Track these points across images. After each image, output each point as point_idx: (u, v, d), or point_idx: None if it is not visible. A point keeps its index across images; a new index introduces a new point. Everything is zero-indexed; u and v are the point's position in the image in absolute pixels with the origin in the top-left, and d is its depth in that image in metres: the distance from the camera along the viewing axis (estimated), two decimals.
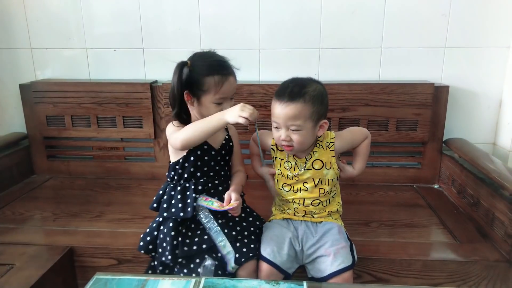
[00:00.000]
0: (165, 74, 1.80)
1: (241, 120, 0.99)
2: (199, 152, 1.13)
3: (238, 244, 1.12)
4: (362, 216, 1.45)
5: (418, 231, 1.37)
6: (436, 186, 1.74)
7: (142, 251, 1.16)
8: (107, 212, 1.50)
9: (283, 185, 1.18)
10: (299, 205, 1.17)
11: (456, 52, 1.71)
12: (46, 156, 1.86)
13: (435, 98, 1.66)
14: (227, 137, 1.21)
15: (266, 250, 1.10)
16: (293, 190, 1.17)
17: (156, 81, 1.79)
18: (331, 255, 1.06)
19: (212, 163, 1.16)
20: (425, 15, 1.68)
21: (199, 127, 1.05)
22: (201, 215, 1.12)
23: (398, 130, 1.69)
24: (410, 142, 1.73)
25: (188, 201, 1.12)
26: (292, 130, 1.07)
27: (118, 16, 1.78)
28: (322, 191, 1.15)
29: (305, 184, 1.15)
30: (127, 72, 1.82)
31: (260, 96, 1.69)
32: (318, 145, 1.15)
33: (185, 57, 1.13)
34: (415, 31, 1.70)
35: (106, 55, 1.82)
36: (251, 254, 1.11)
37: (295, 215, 1.19)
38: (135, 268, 1.25)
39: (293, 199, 1.17)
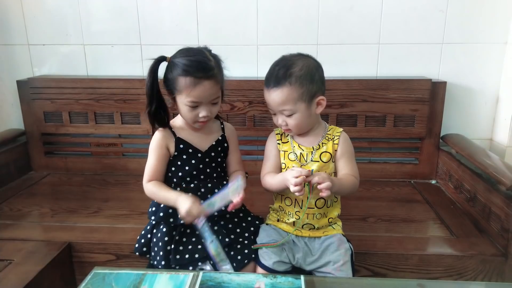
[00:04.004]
0: (162, 70, 1.80)
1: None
2: (184, 157, 1.10)
3: (232, 253, 1.08)
4: (359, 211, 1.46)
5: (415, 226, 1.38)
6: (433, 181, 1.74)
7: (137, 253, 1.15)
8: (105, 208, 1.50)
9: (286, 198, 1.13)
10: (301, 208, 1.10)
11: (453, 48, 1.71)
12: (44, 152, 1.86)
13: (432, 94, 1.66)
14: (220, 137, 1.16)
15: (263, 257, 1.07)
16: None
17: None
18: (332, 274, 1.04)
19: (201, 166, 1.11)
20: (423, 11, 1.69)
21: (159, 198, 1.09)
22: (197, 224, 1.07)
23: (395, 125, 1.70)
24: (408, 138, 1.74)
25: None
26: (286, 115, 1.05)
27: (115, 12, 1.78)
28: None
29: None
30: (124, 68, 1.82)
31: (258, 92, 1.69)
32: (327, 137, 1.12)
33: None
34: (412, 27, 1.71)
35: (103, 51, 1.82)
36: (246, 261, 1.08)
37: (294, 224, 1.12)
38: (133, 263, 1.25)
39: (295, 200, 1.11)
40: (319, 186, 0.98)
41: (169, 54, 1.09)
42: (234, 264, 1.06)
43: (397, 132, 1.71)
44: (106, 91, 1.74)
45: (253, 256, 1.09)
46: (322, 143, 1.11)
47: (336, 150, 1.11)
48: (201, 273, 0.90)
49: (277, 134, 1.17)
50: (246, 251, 1.10)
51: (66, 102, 1.77)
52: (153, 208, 1.12)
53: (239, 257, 1.08)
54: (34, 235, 1.32)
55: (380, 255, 1.22)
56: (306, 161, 1.10)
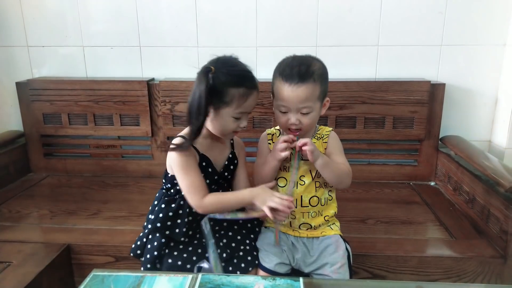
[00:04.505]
0: (162, 72, 1.80)
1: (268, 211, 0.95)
2: (202, 174, 1.04)
3: (235, 261, 1.07)
4: (358, 213, 1.46)
5: (414, 227, 1.38)
6: (432, 183, 1.75)
7: (132, 254, 1.13)
8: (104, 210, 1.50)
9: (279, 179, 1.13)
10: (296, 207, 1.10)
11: (452, 50, 1.72)
12: (43, 154, 1.86)
13: (431, 95, 1.66)
14: (230, 155, 1.12)
15: (264, 260, 1.08)
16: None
17: (153, 79, 1.79)
18: (330, 276, 1.04)
19: (213, 186, 1.08)
20: (422, 12, 1.69)
21: (229, 203, 1.02)
22: (203, 228, 1.04)
23: (394, 127, 1.70)
24: (407, 140, 1.74)
25: (179, 221, 1.06)
26: (303, 113, 1.02)
27: (114, 14, 1.78)
28: (317, 184, 1.11)
29: (302, 178, 1.10)
30: (124, 70, 1.82)
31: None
32: (316, 136, 1.13)
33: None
34: (411, 29, 1.71)
35: (103, 53, 1.82)
36: (250, 269, 1.07)
37: (291, 225, 1.13)
38: (132, 265, 1.25)
39: None
40: (303, 148, 1.01)
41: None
42: (238, 272, 1.05)
43: (396, 134, 1.71)
44: (105, 92, 1.74)
45: (256, 262, 1.09)
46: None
47: (325, 149, 1.12)
48: (200, 275, 0.90)
49: (268, 134, 1.18)
50: (249, 258, 1.09)
51: (66, 104, 1.77)
52: (151, 216, 1.09)
53: (242, 265, 1.07)
54: (33, 237, 1.32)
55: (379, 257, 1.22)
56: (297, 160, 1.10)
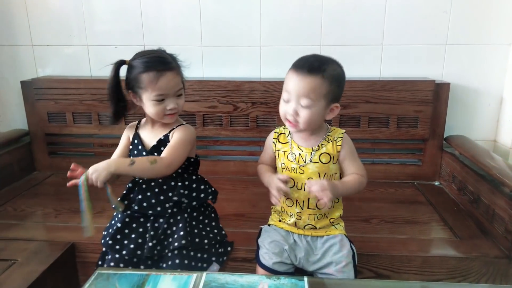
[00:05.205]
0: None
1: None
2: (135, 152, 1.15)
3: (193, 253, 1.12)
4: (362, 213, 1.46)
5: (418, 227, 1.38)
6: (436, 183, 1.74)
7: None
8: (108, 208, 1.49)
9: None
10: (302, 209, 1.10)
11: (457, 49, 1.71)
12: (48, 152, 1.86)
13: (436, 95, 1.66)
14: (162, 137, 1.12)
15: (263, 257, 1.08)
16: (297, 186, 1.09)
17: None
18: (334, 275, 1.04)
19: None
20: (426, 12, 1.68)
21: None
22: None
23: (398, 127, 1.70)
24: (411, 139, 1.73)
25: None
26: (303, 106, 1.01)
27: (119, 13, 1.78)
28: None
29: (310, 181, 1.08)
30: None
31: (261, 93, 1.69)
32: (327, 139, 1.10)
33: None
34: (416, 28, 1.70)
35: (107, 52, 1.82)
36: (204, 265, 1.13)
37: (295, 225, 1.13)
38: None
39: (296, 200, 1.11)
40: (318, 203, 1.02)
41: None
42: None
43: (400, 133, 1.71)
44: None
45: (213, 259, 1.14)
46: (322, 144, 1.09)
47: (339, 152, 1.10)
48: (204, 274, 0.90)
49: (275, 132, 1.17)
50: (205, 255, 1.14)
51: (70, 103, 1.77)
52: (104, 233, 1.16)
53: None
54: (37, 235, 1.32)
55: (383, 256, 1.21)
56: (305, 162, 1.09)
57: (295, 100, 1.02)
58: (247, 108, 1.71)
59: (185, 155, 1.10)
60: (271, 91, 1.69)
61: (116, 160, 1.06)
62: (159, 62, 1.06)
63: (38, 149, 1.86)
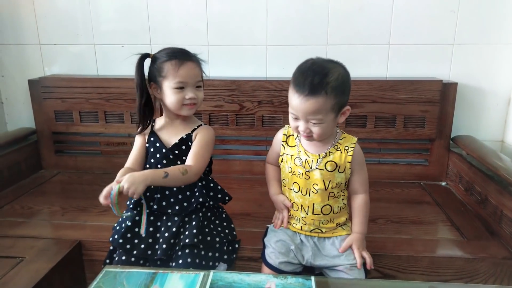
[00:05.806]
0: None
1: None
2: (152, 150, 1.16)
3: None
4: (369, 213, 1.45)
5: (425, 227, 1.37)
6: (443, 183, 1.73)
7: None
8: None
9: (294, 184, 1.10)
10: (307, 214, 1.10)
11: (464, 49, 1.70)
12: (54, 151, 1.87)
13: (443, 95, 1.65)
14: (185, 136, 1.14)
15: (270, 256, 1.08)
16: (302, 192, 1.09)
17: None
18: (344, 273, 1.04)
19: (164, 161, 1.13)
20: (434, 11, 1.67)
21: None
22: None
23: (405, 127, 1.69)
24: (417, 139, 1.73)
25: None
26: (313, 123, 0.99)
27: (125, 12, 1.79)
28: (332, 194, 1.08)
29: (315, 186, 1.07)
30: (134, 68, 1.82)
31: (267, 92, 1.69)
32: (336, 146, 1.07)
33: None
34: (423, 28, 1.69)
35: (113, 51, 1.83)
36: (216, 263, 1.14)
37: (301, 228, 1.12)
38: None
39: (302, 206, 1.10)
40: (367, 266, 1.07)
41: None
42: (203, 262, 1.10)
43: (407, 133, 1.70)
44: (116, 90, 1.75)
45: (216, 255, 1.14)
46: (330, 151, 1.07)
47: (349, 162, 1.07)
48: (211, 272, 0.90)
49: (283, 135, 1.14)
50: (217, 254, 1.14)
51: (77, 102, 1.78)
52: (113, 231, 1.17)
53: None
54: (45, 233, 1.33)
55: (390, 257, 1.21)
56: (311, 168, 1.07)
57: (304, 119, 1.00)
58: (253, 108, 1.71)
59: (209, 158, 1.14)
60: (277, 91, 1.69)
61: (151, 172, 1.03)
62: (182, 53, 1.10)
63: (45, 147, 1.87)
